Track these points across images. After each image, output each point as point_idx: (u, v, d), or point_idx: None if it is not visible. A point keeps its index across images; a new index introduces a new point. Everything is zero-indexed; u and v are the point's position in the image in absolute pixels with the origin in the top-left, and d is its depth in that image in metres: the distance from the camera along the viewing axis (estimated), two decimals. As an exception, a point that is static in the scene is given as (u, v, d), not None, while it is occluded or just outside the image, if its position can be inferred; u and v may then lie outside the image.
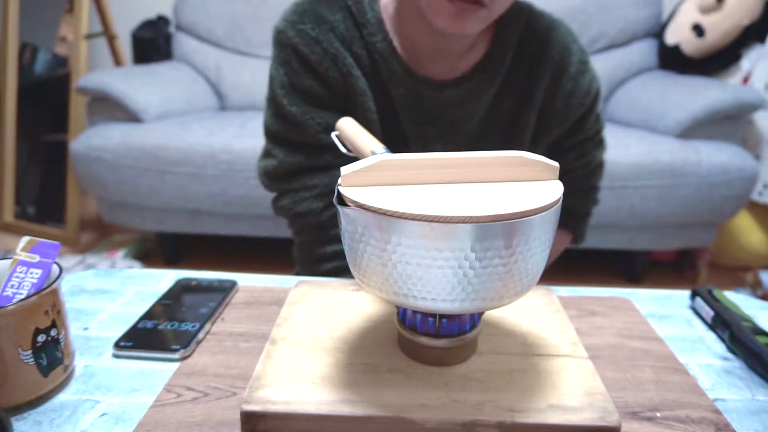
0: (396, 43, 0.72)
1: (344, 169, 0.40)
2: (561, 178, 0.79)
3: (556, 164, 0.42)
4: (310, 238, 0.78)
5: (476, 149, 0.76)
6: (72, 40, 2.19)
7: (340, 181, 0.40)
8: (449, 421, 0.39)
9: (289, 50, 0.71)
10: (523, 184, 0.41)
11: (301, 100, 0.72)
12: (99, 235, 2.26)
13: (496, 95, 0.74)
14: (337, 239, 0.76)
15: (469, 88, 0.72)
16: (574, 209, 0.86)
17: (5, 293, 0.44)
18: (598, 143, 0.84)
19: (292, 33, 0.71)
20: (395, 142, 0.75)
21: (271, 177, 0.76)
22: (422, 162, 0.41)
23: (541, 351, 0.47)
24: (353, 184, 0.40)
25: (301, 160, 0.74)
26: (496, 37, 0.72)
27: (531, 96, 0.75)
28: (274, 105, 0.74)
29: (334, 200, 0.39)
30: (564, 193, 0.41)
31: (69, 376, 0.46)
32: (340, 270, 0.76)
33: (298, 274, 0.87)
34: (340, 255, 0.77)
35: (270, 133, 0.76)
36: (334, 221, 0.75)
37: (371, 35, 0.71)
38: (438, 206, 0.36)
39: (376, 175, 0.40)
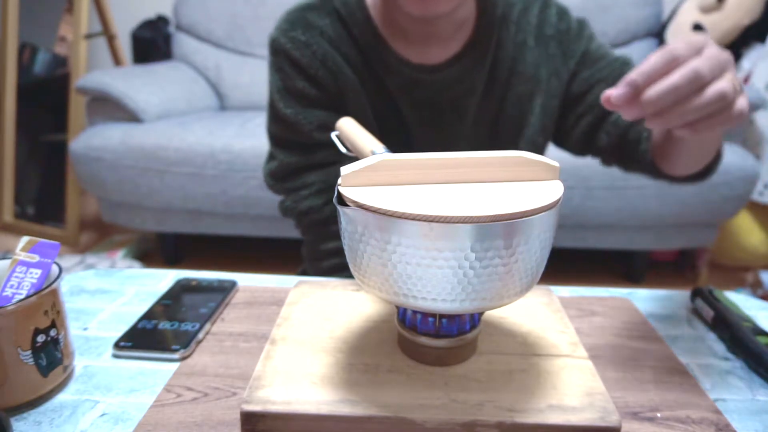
0: (386, 35, 0.75)
1: (344, 169, 0.40)
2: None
3: (557, 164, 0.42)
4: (314, 236, 0.80)
5: (479, 126, 0.77)
6: (72, 40, 2.19)
7: (340, 181, 0.40)
8: (449, 421, 0.39)
9: (282, 56, 0.75)
10: (523, 184, 0.41)
11: (294, 102, 0.76)
12: (99, 235, 2.26)
13: (490, 70, 0.76)
14: (338, 236, 0.76)
15: (464, 66, 0.75)
16: None
17: (5, 293, 0.44)
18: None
19: (284, 40, 0.75)
20: (396, 132, 0.77)
21: (274, 178, 0.80)
22: (422, 162, 0.41)
23: (541, 351, 0.47)
24: (353, 184, 0.40)
25: (299, 160, 0.77)
26: (482, 14, 0.75)
27: (521, 60, 0.76)
28: (272, 109, 0.79)
29: (334, 200, 0.39)
30: None
31: (69, 376, 0.46)
32: (342, 267, 0.77)
33: (304, 272, 0.88)
34: (341, 252, 0.77)
35: (271, 136, 0.80)
36: (335, 218, 0.76)
37: (361, 33, 0.74)
38: (438, 206, 0.36)
39: (376, 175, 0.40)
